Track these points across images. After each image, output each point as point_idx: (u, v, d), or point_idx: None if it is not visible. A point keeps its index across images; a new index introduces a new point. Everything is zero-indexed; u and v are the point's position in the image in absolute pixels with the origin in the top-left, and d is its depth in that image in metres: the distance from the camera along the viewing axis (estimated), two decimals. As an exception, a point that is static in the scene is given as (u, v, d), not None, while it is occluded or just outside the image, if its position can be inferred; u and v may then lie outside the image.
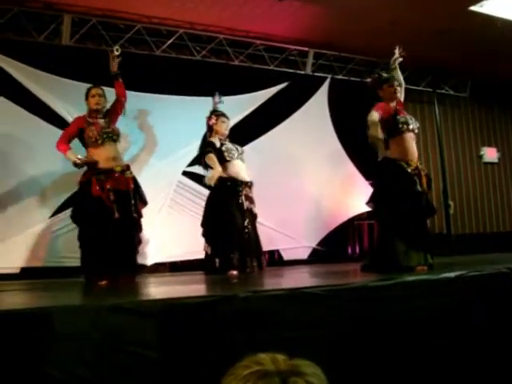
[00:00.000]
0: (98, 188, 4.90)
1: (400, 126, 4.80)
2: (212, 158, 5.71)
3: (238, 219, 5.65)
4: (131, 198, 5.05)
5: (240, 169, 5.87)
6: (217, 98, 6.15)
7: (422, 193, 4.71)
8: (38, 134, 6.19)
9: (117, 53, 5.36)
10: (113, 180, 4.99)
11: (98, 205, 4.88)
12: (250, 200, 5.84)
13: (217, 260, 5.61)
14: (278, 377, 1.01)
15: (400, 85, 5.08)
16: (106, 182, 4.95)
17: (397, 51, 5.12)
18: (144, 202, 5.26)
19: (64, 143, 5.13)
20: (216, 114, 6.00)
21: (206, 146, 5.87)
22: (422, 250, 4.57)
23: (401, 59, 5.16)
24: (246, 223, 5.70)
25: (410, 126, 4.82)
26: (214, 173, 5.64)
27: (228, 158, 5.81)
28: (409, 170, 4.70)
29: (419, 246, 4.56)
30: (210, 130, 5.98)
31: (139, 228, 5.18)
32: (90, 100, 5.22)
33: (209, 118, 6.01)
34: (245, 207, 5.73)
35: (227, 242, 5.60)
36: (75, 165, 5.00)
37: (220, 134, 5.94)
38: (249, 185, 5.88)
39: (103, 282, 4.74)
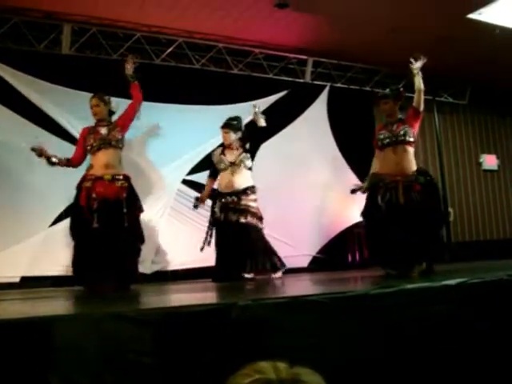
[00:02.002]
0: (84, 196, 4.92)
1: (378, 141, 5.14)
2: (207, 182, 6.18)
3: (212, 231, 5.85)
4: (123, 207, 5.01)
5: (227, 180, 5.89)
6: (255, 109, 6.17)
7: (379, 206, 4.90)
8: (37, 143, 6.19)
9: (131, 60, 5.41)
10: (100, 187, 4.98)
11: (81, 214, 4.92)
12: (233, 210, 5.83)
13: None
14: (276, 378, 1.00)
15: (418, 91, 5.12)
16: (92, 189, 4.96)
17: (413, 60, 5.13)
18: (140, 211, 5.24)
19: (75, 155, 5.28)
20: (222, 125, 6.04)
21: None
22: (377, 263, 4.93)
23: (421, 63, 5.15)
24: (217, 234, 5.81)
25: (385, 141, 5.04)
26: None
27: (218, 169, 5.98)
28: (380, 184, 4.97)
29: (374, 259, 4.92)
30: None
31: (135, 237, 5.15)
32: (91, 110, 5.28)
33: None
34: (218, 217, 5.78)
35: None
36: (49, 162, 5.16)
37: (225, 145, 6.01)
38: (235, 194, 5.87)
39: (99, 291, 4.73)
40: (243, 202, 5.86)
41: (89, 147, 5.13)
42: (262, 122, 6.14)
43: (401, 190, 4.86)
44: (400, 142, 5.00)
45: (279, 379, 1.01)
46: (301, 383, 1.01)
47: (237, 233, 5.76)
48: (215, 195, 5.93)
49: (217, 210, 5.80)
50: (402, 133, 5.00)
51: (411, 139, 5.02)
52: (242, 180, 5.92)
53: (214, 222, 5.83)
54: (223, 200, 5.82)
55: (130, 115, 5.34)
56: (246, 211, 5.86)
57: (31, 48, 6.45)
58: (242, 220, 5.84)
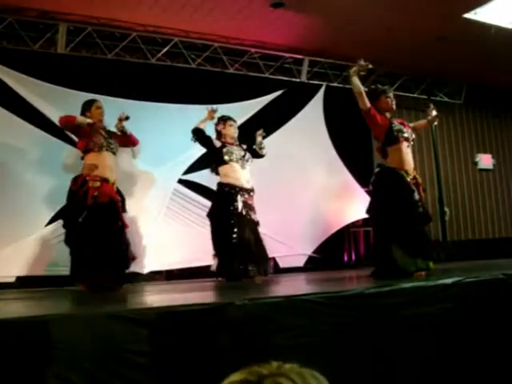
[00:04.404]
0: (91, 195, 4.98)
1: (395, 133, 4.84)
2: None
3: (232, 227, 5.60)
4: (118, 208, 5.16)
5: (240, 175, 5.81)
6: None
7: (419, 201, 4.76)
8: (33, 143, 6.20)
9: (124, 116, 5.40)
10: (106, 189, 5.07)
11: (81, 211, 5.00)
12: (250, 207, 5.77)
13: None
14: (257, 377, 0.99)
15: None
16: (99, 189, 5.02)
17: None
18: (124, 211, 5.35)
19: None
20: (223, 118, 5.99)
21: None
22: (420, 256, 4.60)
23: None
24: (239, 230, 5.62)
25: (405, 135, 4.88)
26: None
27: (226, 159, 5.76)
28: (408, 179, 4.76)
29: (417, 252, 4.60)
30: (219, 135, 5.95)
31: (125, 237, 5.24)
32: (95, 111, 5.29)
33: (217, 124, 5.98)
34: (239, 212, 5.65)
35: (226, 250, 5.58)
36: (90, 125, 5.09)
37: (229, 138, 5.92)
38: (248, 191, 5.82)
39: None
40: (253, 200, 5.86)
41: (97, 145, 5.14)
42: (264, 152, 6.12)
43: (421, 188, 4.90)
44: (407, 139, 4.96)
45: (261, 374, 0.99)
46: (279, 376, 0.99)
47: (254, 231, 5.75)
48: (232, 190, 5.71)
49: (239, 205, 5.68)
50: (409, 133, 4.99)
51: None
52: (249, 176, 5.90)
53: (234, 217, 5.62)
54: (246, 195, 5.76)
55: (128, 143, 5.55)
56: (254, 209, 5.84)
57: (27, 47, 6.43)
58: (256, 218, 5.81)
